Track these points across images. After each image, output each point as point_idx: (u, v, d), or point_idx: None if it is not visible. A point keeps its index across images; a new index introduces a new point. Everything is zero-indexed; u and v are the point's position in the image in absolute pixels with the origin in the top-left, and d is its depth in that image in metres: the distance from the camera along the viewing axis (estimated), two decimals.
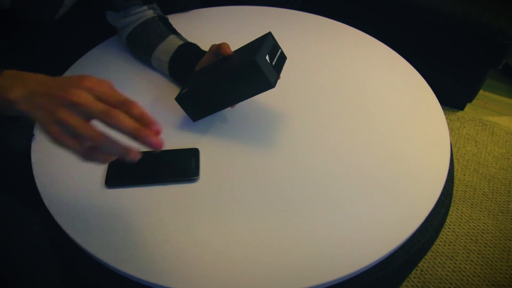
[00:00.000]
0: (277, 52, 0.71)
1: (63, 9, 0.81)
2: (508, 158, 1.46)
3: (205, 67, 0.78)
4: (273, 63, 0.69)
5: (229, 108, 0.81)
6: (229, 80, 0.70)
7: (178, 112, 0.80)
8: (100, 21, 0.93)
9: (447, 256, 1.18)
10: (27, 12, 0.76)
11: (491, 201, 1.33)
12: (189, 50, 0.84)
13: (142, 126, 0.48)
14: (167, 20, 0.91)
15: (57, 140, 0.47)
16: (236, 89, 0.71)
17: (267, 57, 0.67)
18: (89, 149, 0.48)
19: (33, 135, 0.75)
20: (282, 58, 0.72)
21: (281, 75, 0.72)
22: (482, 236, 1.23)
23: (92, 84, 0.48)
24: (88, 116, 0.47)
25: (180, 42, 0.84)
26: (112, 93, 0.49)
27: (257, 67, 0.65)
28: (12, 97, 0.49)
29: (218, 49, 0.75)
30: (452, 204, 1.12)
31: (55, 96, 0.47)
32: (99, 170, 0.71)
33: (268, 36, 0.71)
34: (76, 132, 0.46)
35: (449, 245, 1.20)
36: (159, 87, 0.86)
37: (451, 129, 1.56)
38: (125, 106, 0.48)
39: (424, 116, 0.82)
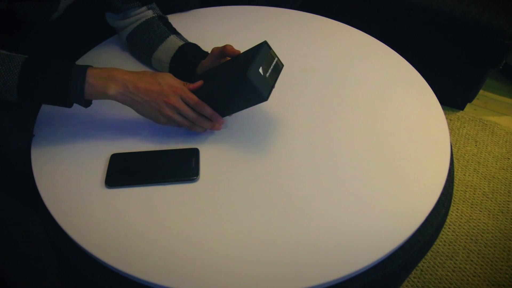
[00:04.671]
0: (272, 61, 0.70)
1: (57, 14, 0.82)
2: (508, 158, 1.46)
3: (203, 75, 0.78)
4: (267, 74, 0.68)
5: None
6: (223, 94, 0.70)
7: None
8: (100, 21, 0.93)
9: (447, 256, 1.18)
10: (23, 14, 0.76)
11: (491, 201, 1.33)
12: (190, 50, 0.83)
13: (213, 121, 0.73)
14: (166, 19, 0.90)
15: (165, 125, 0.73)
16: (230, 102, 0.72)
17: (260, 70, 0.67)
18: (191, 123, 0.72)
19: (33, 135, 0.75)
20: (278, 67, 0.71)
21: (281, 75, 0.72)
22: (482, 236, 1.23)
23: (181, 92, 0.69)
24: (182, 114, 0.71)
25: (181, 43, 0.84)
26: (191, 98, 0.70)
27: (249, 82, 0.65)
28: (111, 94, 0.67)
29: (220, 52, 0.75)
30: (452, 204, 1.12)
31: (159, 100, 0.68)
32: (99, 170, 0.70)
33: (263, 46, 0.70)
34: (183, 116, 0.71)
35: (449, 245, 1.20)
36: None
37: (451, 129, 1.56)
38: (199, 107, 0.70)
39: (424, 116, 0.82)
